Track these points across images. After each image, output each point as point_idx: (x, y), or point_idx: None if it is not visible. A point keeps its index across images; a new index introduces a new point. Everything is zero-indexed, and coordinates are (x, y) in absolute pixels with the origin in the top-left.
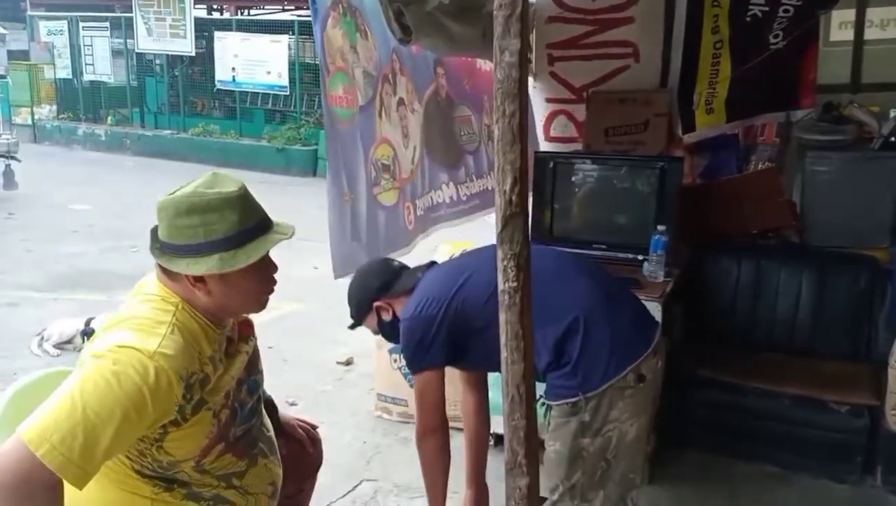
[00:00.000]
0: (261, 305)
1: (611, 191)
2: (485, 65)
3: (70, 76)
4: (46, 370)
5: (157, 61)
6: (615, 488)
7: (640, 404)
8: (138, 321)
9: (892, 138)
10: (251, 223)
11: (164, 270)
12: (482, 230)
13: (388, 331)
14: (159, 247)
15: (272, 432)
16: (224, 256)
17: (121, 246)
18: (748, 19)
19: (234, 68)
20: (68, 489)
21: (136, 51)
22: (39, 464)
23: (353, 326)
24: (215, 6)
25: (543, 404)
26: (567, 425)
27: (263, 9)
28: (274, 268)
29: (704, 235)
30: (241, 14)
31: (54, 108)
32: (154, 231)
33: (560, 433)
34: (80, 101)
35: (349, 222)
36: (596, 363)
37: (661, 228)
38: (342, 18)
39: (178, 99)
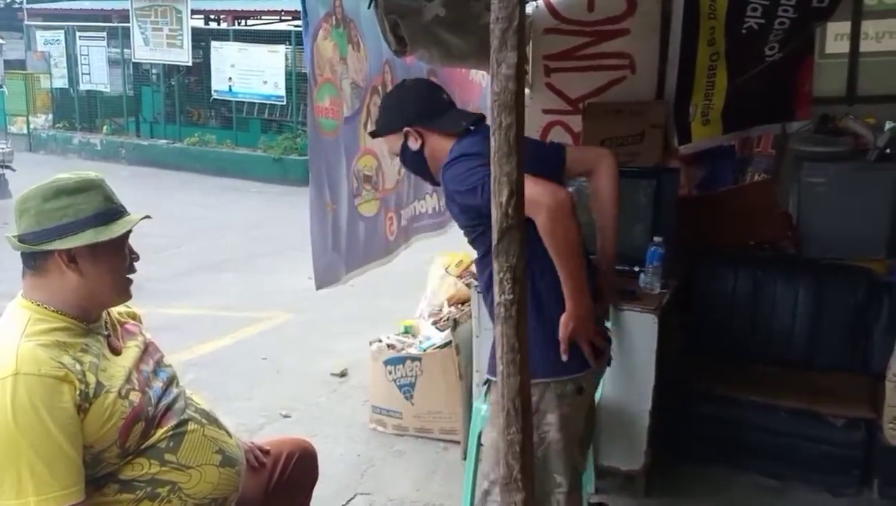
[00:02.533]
0: (126, 290)
1: None
2: (476, 75)
3: (66, 85)
4: None
5: (154, 71)
6: (542, 484)
7: (574, 415)
8: None
9: (888, 150)
10: (115, 204)
11: (32, 268)
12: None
13: (408, 158)
14: (28, 240)
15: (207, 407)
16: (98, 229)
17: None
18: (744, 31)
19: (230, 78)
20: None
21: (133, 60)
22: None
23: (372, 134)
24: (212, 16)
25: (487, 381)
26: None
27: (261, 19)
28: (136, 255)
29: (701, 247)
30: (239, 24)
31: (50, 117)
32: (15, 236)
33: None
34: (76, 111)
35: (330, 233)
36: (545, 355)
37: (657, 239)
38: (334, 30)
39: (174, 108)
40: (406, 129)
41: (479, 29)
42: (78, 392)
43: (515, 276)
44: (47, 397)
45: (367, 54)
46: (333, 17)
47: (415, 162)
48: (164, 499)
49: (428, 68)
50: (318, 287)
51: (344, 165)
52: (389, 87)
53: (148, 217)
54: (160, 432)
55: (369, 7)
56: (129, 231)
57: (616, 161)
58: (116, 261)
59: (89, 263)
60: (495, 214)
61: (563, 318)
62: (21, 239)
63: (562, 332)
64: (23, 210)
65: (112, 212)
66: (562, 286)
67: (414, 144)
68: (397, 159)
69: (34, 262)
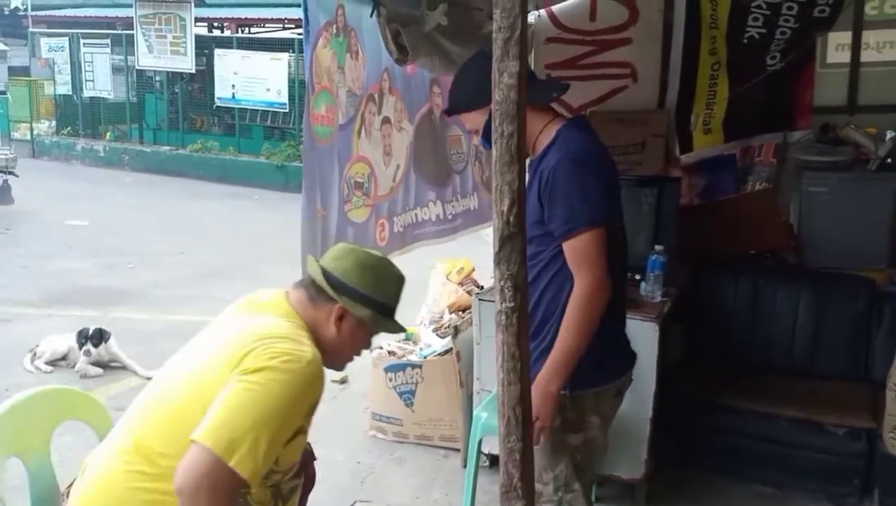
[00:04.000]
0: (346, 365)
1: None
2: None
3: (70, 92)
4: (39, 388)
5: (157, 78)
6: (587, 480)
7: (610, 417)
8: (286, 334)
9: (889, 160)
10: (396, 306)
11: (312, 297)
12: (473, 246)
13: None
14: (330, 279)
15: None
16: (376, 316)
17: (117, 263)
18: (745, 41)
19: (233, 85)
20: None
21: (137, 67)
22: (230, 472)
23: (448, 112)
24: (216, 24)
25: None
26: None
27: (264, 27)
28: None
29: (702, 255)
30: (242, 32)
31: (53, 123)
32: (326, 269)
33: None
34: (80, 117)
35: (319, 239)
36: (587, 367)
37: (658, 247)
38: (333, 38)
39: (177, 115)
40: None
41: (481, 38)
42: (309, 413)
43: (516, 284)
44: (314, 401)
45: (365, 63)
46: (334, 26)
47: None
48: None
49: (430, 76)
50: None
51: (336, 171)
52: (387, 96)
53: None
54: (290, 481)
55: (371, 16)
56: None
57: (588, 291)
58: (362, 344)
59: (348, 331)
60: (496, 222)
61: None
62: (326, 274)
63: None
64: (341, 254)
65: (391, 311)
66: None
67: None
68: (393, 166)
69: (318, 295)
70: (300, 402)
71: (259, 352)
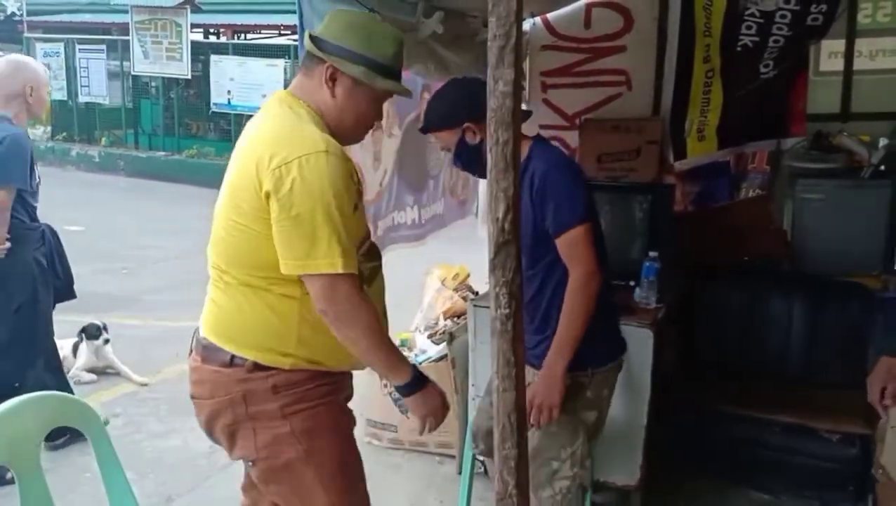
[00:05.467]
0: (361, 136)
1: (603, 217)
2: None
3: (65, 97)
4: (29, 395)
5: (153, 84)
6: (593, 454)
7: (613, 388)
8: (287, 134)
9: (882, 167)
10: (397, 67)
11: (305, 67)
12: (468, 252)
13: (464, 153)
14: (317, 41)
15: None
16: (367, 73)
17: (113, 268)
18: (739, 49)
19: (229, 91)
20: (224, 308)
21: (132, 73)
22: (346, 277)
23: (424, 130)
24: (212, 30)
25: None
26: (571, 400)
27: (260, 34)
28: (381, 116)
29: (697, 262)
30: (238, 38)
31: (49, 129)
32: (315, 35)
33: (564, 406)
34: (75, 123)
35: None
36: (602, 344)
37: (652, 254)
38: None
39: (172, 121)
40: (466, 124)
41: (476, 45)
42: (356, 189)
43: (511, 291)
44: (348, 179)
45: None
46: None
47: (470, 157)
48: None
49: (423, 83)
50: None
51: None
52: None
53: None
54: (366, 263)
55: None
56: (388, 93)
57: (584, 280)
58: (363, 109)
59: (343, 94)
60: (492, 229)
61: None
62: (313, 38)
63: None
64: (333, 18)
65: (390, 72)
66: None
67: (473, 140)
68: (381, 171)
69: (310, 62)
70: (341, 184)
71: (281, 172)
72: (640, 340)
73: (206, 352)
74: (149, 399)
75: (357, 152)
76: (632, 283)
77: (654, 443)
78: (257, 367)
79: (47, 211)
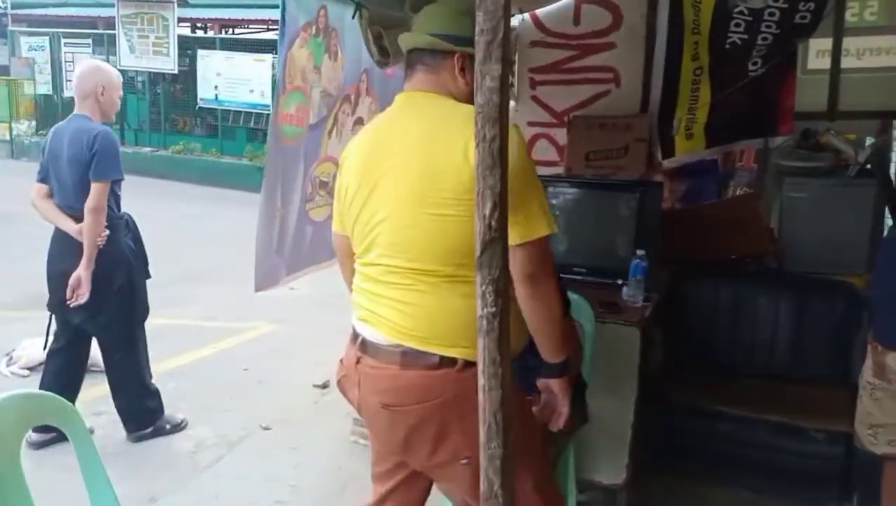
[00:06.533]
0: None
1: (591, 215)
2: None
3: (50, 92)
4: (8, 393)
5: (139, 78)
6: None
7: None
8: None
9: (868, 166)
10: None
11: (426, 65)
12: None
13: None
14: (439, 37)
15: None
16: None
17: None
18: (727, 47)
19: (216, 86)
20: (427, 308)
21: (118, 68)
22: (545, 238)
23: None
24: (200, 25)
25: None
26: None
27: (248, 28)
28: None
29: (684, 260)
30: (226, 33)
31: (33, 123)
32: (426, 32)
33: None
34: (60, 117)
35: (276, 236)
36: None
37: (640, 252)
38: (312, 39)
39: (159, 116)
40: None
41: None
42: None
43: (498, 288)
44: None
45: (344, 64)
46: (314, 27)
47: None
48: None
49: None
50: (257, 289)
51: (301, 171)
52: (363, 97)
53: None
54: None
55: (353, 17)
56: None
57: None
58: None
59: (471, 77)
60: (479, 226)
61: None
62: (433, 34)
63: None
64: (436, 13)
65: None
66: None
67: None
68: None
69: (432, 59)
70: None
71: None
72: (627, 339)
73: (406, 358)
74: None
75: (336, 146)
76: (619, 281)
77: (640, 442)
78: (467, 364)
79: (29, 207)
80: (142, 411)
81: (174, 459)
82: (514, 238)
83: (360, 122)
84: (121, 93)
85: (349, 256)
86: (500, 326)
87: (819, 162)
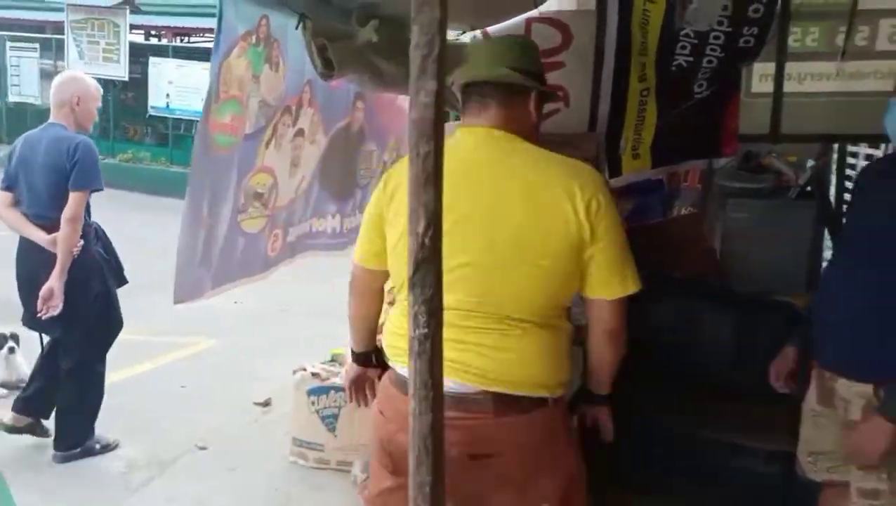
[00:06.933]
0: None
1: None
2: (404, 102)
3: None
4: None
5: None
6: None
7: None
8: (563, 162)
9: (809, 188)
10: None
11: (501, 102)
12: None
13: None
14: (528, 73)
15: None
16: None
17: None
18: (674, 68)
19: (168, 95)
20: (523, 354)
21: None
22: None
23: None
24: (153, 32)
25: None
26: None
27: (203, 37)
28: None
29: None
30: (181, 41)
31: None
32: (510, 67)
33: None
34: (4, 123)
35: (201, 248)
36: None
37: None
38: (251, 48)
39: (108, 124)
40: None
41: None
42: None
43: (431, 309)
44: None
45: (285, 74)
46: (254, 36)
47: None
48: None
49: (355, 91)
50: (177, 301)
51: (233, 181)
52: (305, 108)
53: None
54: None
55: (297, 28)
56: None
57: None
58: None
59: (539, 112)
60: (411, 244)
61: None
62: (516, 70)
63: None
64: (504, 47)
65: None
66: None
67: None
68: (298, 177)
69: (509, 96)
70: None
71: (594, 204)
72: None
73: (502, 406)
74: None
75: (274, 157)
76: None
77: (591, 457)
78: (555, 403)
79: None
80: (80, 430)
81: (103, 480)
82: (612, 292)
83: (300, 133)
84: (98, 104)
85: (370, 292)
86: (433, 348)
87: (761, 183)
